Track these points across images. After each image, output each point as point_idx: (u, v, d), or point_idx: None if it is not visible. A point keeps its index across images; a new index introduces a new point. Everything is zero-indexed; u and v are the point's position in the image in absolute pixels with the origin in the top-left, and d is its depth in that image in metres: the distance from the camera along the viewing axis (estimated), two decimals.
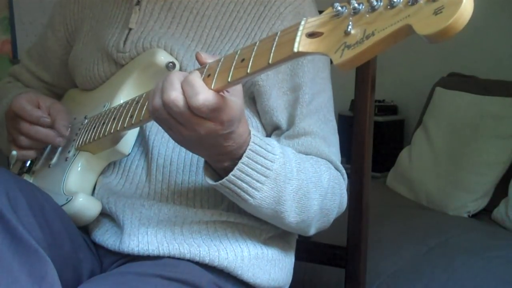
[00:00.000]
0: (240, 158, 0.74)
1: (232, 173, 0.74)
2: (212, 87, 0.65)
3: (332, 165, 0.89)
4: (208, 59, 0.70)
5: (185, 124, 0.68)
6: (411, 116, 2.54)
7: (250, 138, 0.74)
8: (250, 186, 0.75)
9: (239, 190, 0.76)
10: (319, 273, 1.46)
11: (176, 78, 0.67)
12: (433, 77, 2.25)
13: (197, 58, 0.71)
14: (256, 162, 0.75)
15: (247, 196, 0.76)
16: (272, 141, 0.80)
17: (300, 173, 0.81)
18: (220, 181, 0.75)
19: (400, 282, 1.40)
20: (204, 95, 0.64)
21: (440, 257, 1.48)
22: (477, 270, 1.40)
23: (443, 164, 1.95)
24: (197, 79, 0.66)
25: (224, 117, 0.67)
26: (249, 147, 0.74)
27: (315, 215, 0.84)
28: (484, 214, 1.84)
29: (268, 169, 0.76)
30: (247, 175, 0.74)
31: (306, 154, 0.87)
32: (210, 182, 0.76)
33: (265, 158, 0.75)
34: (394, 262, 1.47)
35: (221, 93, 0.67)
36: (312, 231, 0.88)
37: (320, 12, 0.91)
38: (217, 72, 0.66)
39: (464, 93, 2.02)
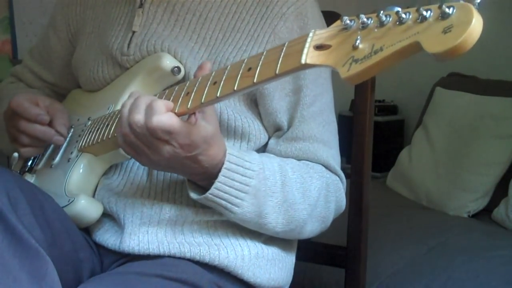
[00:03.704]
0: (216, 177, 0.76)
1: (209, 192, 0.76)
2: (189, 106, 0.69)
3: (329, 169, 0.89)
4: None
5: (150, 146, 0.71)
6: (411, 116, 2.54)
7: (226, 157, 0.76)
8: (229, 202, 0.78)
9: (219, 207, 0.78)
10: (319, 273, 1.46)
11: (142, 101, 0.71)
12: (433, 77, 2.24)
13: (201, 67, 0.74)
14: (234, 180, 0.77)
15: (227, 212, 0.79)
16: (252, 156, 0.81)
17: (285, 186, 0.82)
18: (199, 198, 0.78)
19: (400, 282, 1.40)
20: (157, 117, 0.68)
21: (440, 257, 1.48)
22: (477, 270, 1.40)
23: (443, 164, 1.95)
24: (158, 102, 0.70)
25: (182, 141, 0.70)
26: (224, 166, 0.76)
27: (305, 223, 0.85)
28: (484, 214, 1.84)
29: (247, 185, 0.78)
30: (225, 192, 0.77)
31: (303, 159, 0.88)
32: (194, 196, 0.79)
33: (242, 175, 0.77)
34: (394, 262, 1.47)
35: (192, 115, 0.71)
36: (306, 235, 0.89)
37: (323, 12, 0.92)
38: (207, 86, 0.68)
39: (464, 93, 2.02)
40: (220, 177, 0.76)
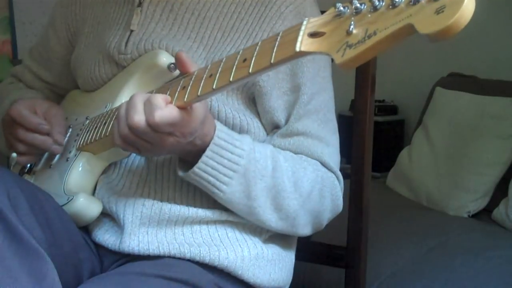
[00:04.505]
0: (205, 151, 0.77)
1: (196, 165, 0.77)
2: (185, 99, 0.69)
3: (324, 166, 0.89)
4: (191, 66, 0.74)
5: (152, 142, 0.72)
6: (411, 116, 2.54)
7: (215, 133, 0.77)
8: (217, 179, 0.78)
9: (205, 183, 0.79)
10: (319, 273, 1.46)
11: (139, 100, 0.71)
12: (433, 77, 2.25)
13: (179, 57, 0.74)
14: (222, 156, 0.77)
15: (216, 190, 0.79)
16: (244, 137, 0.81)
17: (276, 172, 0.82)
18: (186, 173, 0.78)
19: (400, 282, 1.40)
20: (160, 112, 0.68)
21: (440, 257, 1.48)
22: (477, 270, 1.40)
23: (443, 164, 1.95)
24: (156, 97, 0.70)
25: (185, 130, 0.71)
26: (212, 141, 0.77)
27: (297, 215, 0.85)
28: (484, 214, 1.84)
29: (236, 163, 0.78)
30: (212, 168, 0.77)
31: (297, 153, 0.87)
32: (180, 173, 0.80)
33: (231, 153, 0.78)
34: (394, 262, 1.47)
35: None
36: (301, 230, 0.88)
37: (322, 12, 0.92)
38: (203, 79, 0.68)
39: (464, 93, 2.02)
40: (208, 152, 0.76)
